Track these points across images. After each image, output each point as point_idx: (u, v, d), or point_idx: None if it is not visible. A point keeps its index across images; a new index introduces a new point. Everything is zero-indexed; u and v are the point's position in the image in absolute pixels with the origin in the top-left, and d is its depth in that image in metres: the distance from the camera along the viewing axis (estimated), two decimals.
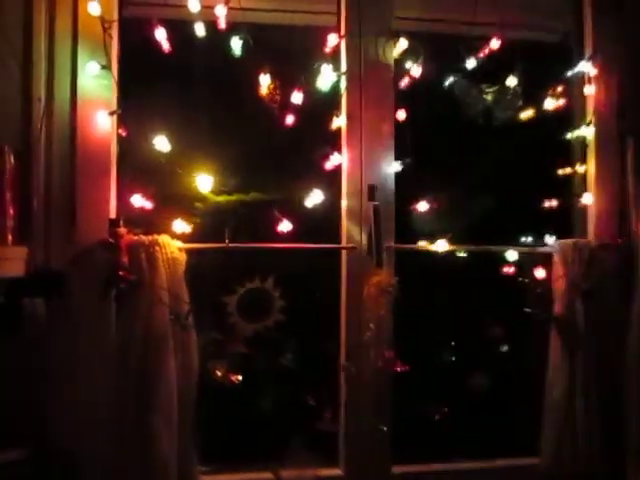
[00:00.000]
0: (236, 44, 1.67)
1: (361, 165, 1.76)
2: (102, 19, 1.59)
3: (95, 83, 1.62)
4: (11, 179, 1.50)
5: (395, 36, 1.78)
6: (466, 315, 1.94)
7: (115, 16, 1.65)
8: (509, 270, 1.85)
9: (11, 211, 1.50)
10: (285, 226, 1.63)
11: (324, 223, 1.78)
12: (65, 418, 1.55)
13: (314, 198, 1.68)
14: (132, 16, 1.72)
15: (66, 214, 1.61)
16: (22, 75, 1.60)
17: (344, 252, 1.77)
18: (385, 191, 1.75)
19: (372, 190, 1.70)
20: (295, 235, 1.67)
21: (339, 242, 1.77)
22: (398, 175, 1.79)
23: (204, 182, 1.61)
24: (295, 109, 1.71)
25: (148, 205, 1.65)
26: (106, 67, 1.60)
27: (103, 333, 1.59)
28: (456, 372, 1.93)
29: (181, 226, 1.62)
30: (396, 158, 1.78)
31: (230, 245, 1.63)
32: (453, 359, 1.96)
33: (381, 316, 1.66)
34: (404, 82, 1.82)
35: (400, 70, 1.81)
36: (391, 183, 1.77)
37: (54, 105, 1.61)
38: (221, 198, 1.79)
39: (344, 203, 1.77)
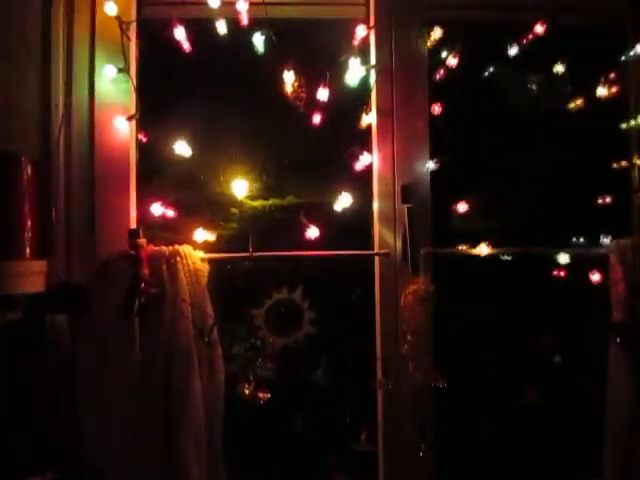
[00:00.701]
0: (258, 41, 1.60)
1: (393, 165, 1.65)
2: (119, 20, 1.54)
3: (113, 87, 1.58)
4: (29, 190, 1.46)
5: (429, 25, 1.67)
6: (513, 324, 1.80)
7: (133, 17, 1.61)
8: (560, 274, 1.71)
9: (29, 223, 1.46)
10: (313, 232, 1.54)
11: (355, 228, 1.68)
12: (94, 437, 1.50)
13: (343, 201, 1.58)
14: (151, 16, 1.67)
15: (86, 225, 1.57)
16: (40, 82, 1.57)
17: (377, 259, 1.66)
18: (420, 192, 1.64)
19: (406, 191, 1.59)
20: (325, 241, 1.59)
21: (372, 248, 1.67)
22: (434, 174, 1.67)
23: (240, 187, 1.54)
24: (322, 107, 1.62)
25: (170, 214, 1.59)
26: (124, 70, 1.55)
27: (127, 349, 1.52)
28: (504, 386, 1.79)
29: (203, 235, 1.55)
30: (431, 156, 1.67)
31: (254, 254, 1.55)
32: (496, 372, 1.81)
33: (419, 327, 1.55)
34: (439, 74, 1.70)
35: (435, 61, 1.70)
36: (426, 183, 1.66)
37: (72, 112, 1.57)
38: (257, 203, 1.72)
39: (376, 206, 1.66)
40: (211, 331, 1.49)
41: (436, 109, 1.67)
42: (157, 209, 1.55)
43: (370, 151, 1.65)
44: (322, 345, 1.69)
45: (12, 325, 1.45)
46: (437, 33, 1.67)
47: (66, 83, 1.57)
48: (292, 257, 1.59)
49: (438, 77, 1.70)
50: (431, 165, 1.65)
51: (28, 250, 1.45)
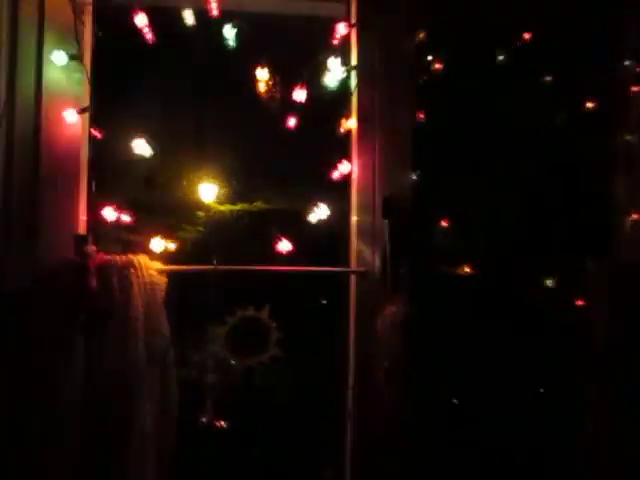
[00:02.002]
0: (230, 34, 1.48)
1: (374, 175, 1.54)
2: (72, 2, 1.40)
3: (63, 76, 1.43)
4: None
5: (415, 25, 1.58)
6: (496, 348, 1.71)
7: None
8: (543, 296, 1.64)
9: None
10: (284, 246, 1.43)
11: (330, 242, 1.57)
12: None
13: (319, 213, 1.47)
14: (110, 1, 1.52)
15: (27, 228, 1.40)
16: None
17: (353, 276, 1.55)
18: (402, 205, 1.52)
19: (387, 204, 1.49)
20: (297, 256, 1.48)
21: (348, 265, 1.57)
22: (416, 187, 1.57)
23: (207, 190, 1.46)
24: (298, 109, 1.51)
25: (125, 218, 1.45)
26: (76, 57, 1.41)
27: (67, 370, 1.37)
28: (486, 417, 1.70)
29: (160, 244, 1.42)
30: (414, 167, 1.57)
31: (219, 267, 1.43)
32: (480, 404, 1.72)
33: (397, 353, 1.45)
34: (424, 78, 1.61)
35: (420, 65, 1.61)
36: (408, 196, 1.55)
37: (16, 102, 1.41)
38: (224, 207, 1.59)
39: (354, 219, 1.57)
40: (165, 353, 1.35)
41: (420, 116, 1.59)
42: (110, 213, 1.41)
43: (349, 159, 1.55)
44: (289, 369, 1.56)
45: None
46: (423, 35, 1.59)
47: (10, 68, 1.41)
48: (259, 273, 1.47)
49: (422, 82, 1.62)
50: (414, 176, 1.56)
51: None
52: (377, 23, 1.56)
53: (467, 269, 1.56)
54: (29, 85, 1.42)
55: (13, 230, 1.39)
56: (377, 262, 1.50)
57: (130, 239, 1.47)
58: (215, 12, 1.51)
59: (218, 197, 1.51)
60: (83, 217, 1.46)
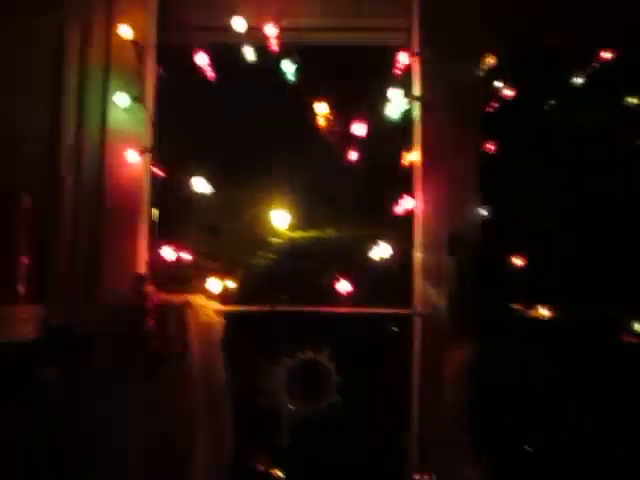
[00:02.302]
0: (289, 68, 1.47)
1: (439, 210, 1.46)
2: (136, 44, 1.43)
3: (126, 117, 1.46)
4: (26, 227, 1.33)
5: (481, 51, 1.50)
6: (575, 397, 1.56)
7: (151, 41, 1.50)
8: (632, 340, 1.48)
9: (25, 264, 1.32)
10: (344, 286, 1.37)
11: (393, 281, 1.49)
12: None
13: (380, 251, 1.40)
14: (171, 42, 1.55)
15: (90, 267, 1.43)
16: (50, 112, 1.47)
17: (418, 319, 1.46)
18: (469, 242, 1.43)
19: (453, 241, 1.41)
20: (357, 295, 1.41)
21: (411, 306, 1.48)
22: (485, 221, 1.48)
23: (279, 217, 1.43)
24: (358, 142, 1.47)
25: (185, 257, 1.45)
26: (138, 99, 1.43)
27: (127, 410, 1.37)
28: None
29: (217, 285, 1.39)
30: (483, 201, 1.48)
31: (276, 309, 1.39)
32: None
33: (465, 401, 1.34)
34: (492, 106, 1.53)
35: (487, 92, 1.53)
36: (477, 232, 1.46)
37: (82, 144, 1.46)
38: (296, 234, 1.57)
39: (418, 256, 1.47)
40: (222, 397, 1.32)
41: (489, 146, 1.50)
42: (169, 253, 1.41)
43: (412, 194, 1.48)
44: (349, 417, 1.48)
45: None
46: (490, 60, 1.51)
47: (78, 112, 1.46)
48: (318, 315, 1.42)
49: (491, 110, 1.53)
50: (482, 211, 1.47)
51: (22, 293, 1.32)
52: (440, 50, 1.51)
53: (542, 311, 1.43)
54: (95, 127, 1.47)
55: (76, 269, 1.43)
56: (443, 303, 1.41)
57: (189, 278, 1.46)
58: (275, 47, 1.51)
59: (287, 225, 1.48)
60: (143, 256, 1.46)
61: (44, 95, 1.47)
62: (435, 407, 1.38)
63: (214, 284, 1.39)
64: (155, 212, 1.51)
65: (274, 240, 1.56)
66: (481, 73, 1.52)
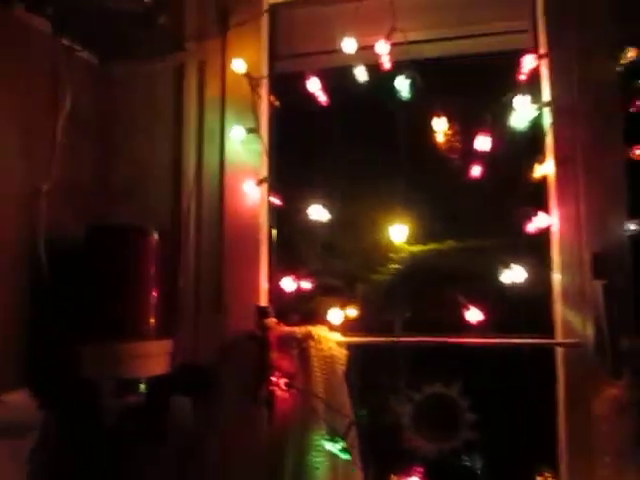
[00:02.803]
0: (403, 85, 1.40)
1: (580, 227, 1.30)
2: (249, 77, 1.45)
3: (242, 149, 1.48)
4: (155, 265, 1.39)
5: (619, 45, 1.34)
6: None
7: (264, 73, 1.51)
8: None
9: (155, 300, 1.38)
10: (474, 315, 1.26)
11: (530, 307, 1.36)
12: None
13: (514, 276, 1.28)
14: (283, 71, 1.56)
15: (213, 301, 1.46)
16: (172, 151, 1.54)
17: (561, 350, 1.31)
18: (618, 263, 1.26)
19: (599, 262, 1.25)
20: (490, 323, 1.30)
21: (553, 335, 1.33)
22: (636, 238, 1.29)
23: (398, 232, 1.39)
24: (483, 157, 1.36)
25: (306, 285, 1.43)
26: (254, 130, 1.45)
27: (252, 441, 1.37)
28: None
29: (338, 315, 1.35)
30: (631, 214, 1.30)
31: (401, 339, 1.32)
32: None
33: (622, 445, 1.18)
34: (636, 107, 1.35)
35: (629, 91, 1.35)
36: (626, 251, 1.28)
37: (202, 179, 1.50)
38: (415, 248, 1.53)
39: (557, 280, 1.32)
40: (347, 434, 1.27)
41: (635, 152, 1.32)
42: (289, 283, 1.39)
43: (547, 210, 1.34)
44: (487, 457, 1.36)
45: (134, 409, 1.37)
46: (631, 54, 1.34)
47: (197, 146, 1.51)
48: (448, 345, 1.32)
49: (635, 110, 1.35)
50: (631, 226, 1.29)
51: (152, 330, 1.37)
52: (571, 48, 1.36)
53: None
54: (213, 160, 1.50)
55: (201, 303, 1.47)
56: (590, 332, 1.25)
57: (310, 309, 1.44)
58: (387, 65, 1.45)
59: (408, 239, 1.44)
60: (264, 287, 1.47)
61: (166, 134, 1.55)
62: (585, 446, 1.23)
63: (335, 315, 1.36)
64: (274, 237, 1.52)
65: (394, 255, 1.51)
66: (621, 69, 1.36)
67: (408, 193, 1.53)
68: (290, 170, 1.55)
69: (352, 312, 1.43)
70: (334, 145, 1.63)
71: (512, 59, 1.40)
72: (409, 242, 1.48)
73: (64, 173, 1.42)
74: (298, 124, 1.60)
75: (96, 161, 1.55)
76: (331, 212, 1.44)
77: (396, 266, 1.51)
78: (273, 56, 1.55)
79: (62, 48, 1.44)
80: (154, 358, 1.36)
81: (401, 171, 1.54)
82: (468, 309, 1.26)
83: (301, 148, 1.61)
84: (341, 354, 1.34)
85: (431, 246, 1.54)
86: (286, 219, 1.54)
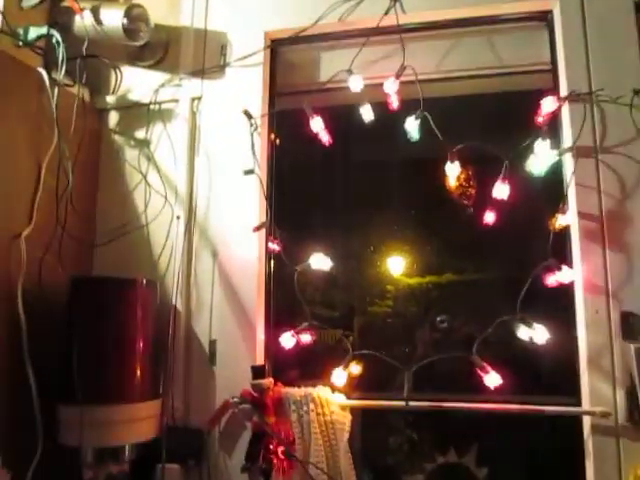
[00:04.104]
0: (412, 126, 1.31)
1: (606, 283, 1.20)
2: (247, 115, 1.37)
3: (238, 191, 1.39)
4: (144, 318, 1.28)
5: None
6: None
7: (264, 110, 1.43)
8: None
9: (142, 358, 1.27)
10: (493, 380, 1.15)
11: (552, 369, 1.25)
12: None
13: (535, 335, 1.17)
14: (284, 108, 1.47)
15: (206, 357, 1.35)
16: (163, 191, 1.44)
17: (588, 419, 1.19)
18: None
19: (628, 322, 1.15)
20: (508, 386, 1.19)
21: (578, 402, 1.22)
22: None
23: (395, 264, 1.41)
24: (498, 204, 1.27)
25: (306, 338, 1.32)
26: (252, 171, 1.35)
27: None
28: None
29: (341, 375, 1.24)
30: None
31: (411, 404, 1.20)
32: None
33: None
34: None
35: None
36: None
37: (194, 224, 1.41)
38: (413, 280, 1.50)
39: (582, 340, 1.21)
40: None
41: None
42: (288, 340, 1.28)
43: (569, 263, 1.24)
44: None
45: (118, 479, 1.25)
46: None
47: (189, 192, 1.43)
48: (462, 411, 1.21)
49: None
50: None
51: (139, 391, 1.25)
52: (592, 93, 1.28)
53: None
54: (206, 203, 1.42)
55: (193, 361, 1.36)
56: (621, 399, 1.15)
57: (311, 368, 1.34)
58: (395, 104, 1.37)
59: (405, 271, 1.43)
60: (260, 339, 1.36)
61: (158, 174, 1.45)
62: None
63: (339, 375, 1.25)
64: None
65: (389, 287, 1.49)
66: None
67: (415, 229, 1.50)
68: (290, 211, 1.46)
69: (356, 369, 1.33)
70: (335, 182, 1.57)
71: (530, 99, 1.32)
72: (408, 274, 1.45)
73: (47, 217, 1.33)
74: (297, 162, 1.53)
75: (82, 204, 1.43)
76: (332, 263, 1.35)
77: (390, 303, 1.49)
78: (273, 93, 1.47)
79: (51, 82, 1.36)
80: (141, 422, 1.25)
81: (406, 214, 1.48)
82: (487, 372, 1.16)
83: (299, 186, 1.54)
84: (344, 418, 1.23)
85: (429, 278, 1.50)
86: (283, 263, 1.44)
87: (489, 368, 1.16)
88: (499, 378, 1.15)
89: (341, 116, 1.44)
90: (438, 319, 1.49)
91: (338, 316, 1.54)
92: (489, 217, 1.31)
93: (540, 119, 1.30)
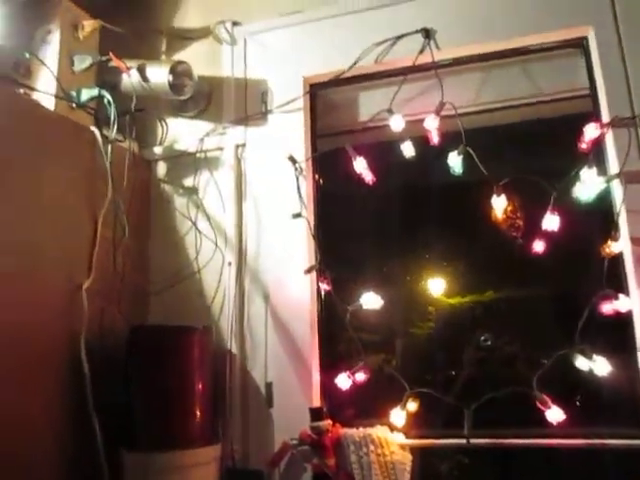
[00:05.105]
0: (455, 161, 1.33)
1: None
2: (292, 160, 1.41)
3: (287, 234, 1.42)
4: (201, 365, 1.31)
5: None
6: None
7: (307, 154, 1.46)
8: None
9: (202, 404, 1.29)
10: (556, 415, 1.13)
11: (618, 401, 1.23)
12: None
13: (597, 367, 1.15)
14: (326, 150, 1.51)
15: (263, 400, 1.37)
16: (214, 238, 1.49)
17: None
18: None
19: None
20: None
21: None
22: None
23: (436, 285, 1.39)
24: (548, 234, 1.26)
25: (361, 377, 1.32)
26: (299, 215, 1.38)
27: None
28: None
29: (400, 416, 1.24)
30: None
31: (472, 441, 1.19)
32: None
33: None
34: None
35: None
36: None
37: (245, 269, 1.45)
38: (454, 300, 1.50)
39: None
40: None
41: None
42: (344, 381, 1.29)
43: (625, 291, 1.22)
44: None
45: None
46: None
47: (238, 237, 1.47)
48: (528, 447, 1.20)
49: None
50: None
51: (200, 436, 1.27)
52: (638, 113, 1.27)
53: None
54: (256, 248, 1.45)
55: (250, 405, 1.38)
56: None
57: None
58: (436, 140, 1.39)
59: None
60: (316, 380, 1.37)
61: (208, 222, 1.50)
62: None
63: (397, 415, 1.25)
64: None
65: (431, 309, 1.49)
66: None
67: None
68: (336, 250, 1.48)
69: (412, 406, 1.33)
70: (377, 212, 1.59)
71: (573, 123, 1.32)
72: (448, 294, 1.44)
73: (104, 267, 1.39)
74: (341, 199, 1.56)
75: (136, 253, 1.50)
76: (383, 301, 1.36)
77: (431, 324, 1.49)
78: (315, 135, 1.51)
79: (103, 139, 1.42)
80: (202, 466, 1.27)
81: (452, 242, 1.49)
82: (549, 407, 1.14)
83: (344, 221, 1.57)
84: (405, 458, 1.23)
85: (470, 298, 1.49)
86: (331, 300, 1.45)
87: (551, 403, 1.14)
88: (561, 413, 1.14)
89: (382, 150, 1.46)
90: (482, 338, 1.48)
91: (379, 339, 1.53)
92: (538, 246, 1.31)
93: (584, 145, 1.30)
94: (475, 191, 1.35)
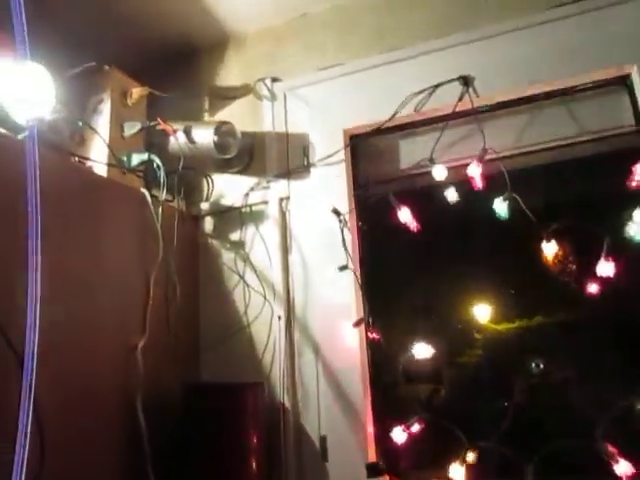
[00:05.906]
0: (501, 207, 1.32)
1: None
2: (336, 212, 1.42)
3: (333, 288, 1.43)
4: (255, 420, 1.32)
5: None
6: None
7: (350, 205, 1.48)
8: None
9: (257, 459, 1.30)
10: (624, 468, 1.09)
11: None
12: None
13: None
14: (367, 199, 1.52)
15: (317, 456, 1.36)
16: (262, 292, 1.51)
17: None
18: None
19: None
20: None
21: None
22: None
23: (482, 311, 1.38)
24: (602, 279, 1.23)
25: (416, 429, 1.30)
26: (346, 267, 1.39)
27: None
28: None
29: (459, 472, 1.21)
30: None
31: None
32: None
33: None
34: None
35: None
36: None
37: (294, 324, 1.46)
38: (501, 326, 1.44)
39: None
40: None
41: None
42: (399, 435, 1.28)
43: None
44: None
45: None
46: None
47: (286, 291, 1.48)
48: None
49: None
50: None
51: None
52: None
53: None
54: (303, 302, 1.47)
55: (304, 460, 1.37)
56: None
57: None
58: (479, 185, 1.39)
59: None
60: (370, 432, 1.36)
61: (254, 276, 1.53)
62: None
63: (456, 471, 1.22)
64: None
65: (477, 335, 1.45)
66: None
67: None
68: (384, 297, 1.48)
69: (471, 457, 1.29)
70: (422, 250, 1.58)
71: (620, 159, 1.30)
72: (495, 320, 1.40)
73: (157, 326, 1.42)
74: (387, 246, 1.56)
75: (187, 309, 1.53)
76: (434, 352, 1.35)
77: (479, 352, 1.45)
78: (357, 186, 1.53)
79: (153, 200, 1.47)
80: None
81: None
82: (616, 462, 1.09)
83: (392, 271, 1.56)
84: None
85: (518, 323, 1.44)
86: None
87: (618, 457, 1.10)
88: (631, 467, 1.09)
89: (426, 196, 1.47)
90: (533, 364, 1.44)
91: (426, 369, 1.49)
92: (592, 288, 1.28)
93: (634, 184, 1.27)
94: (524, 231, 1.33)
